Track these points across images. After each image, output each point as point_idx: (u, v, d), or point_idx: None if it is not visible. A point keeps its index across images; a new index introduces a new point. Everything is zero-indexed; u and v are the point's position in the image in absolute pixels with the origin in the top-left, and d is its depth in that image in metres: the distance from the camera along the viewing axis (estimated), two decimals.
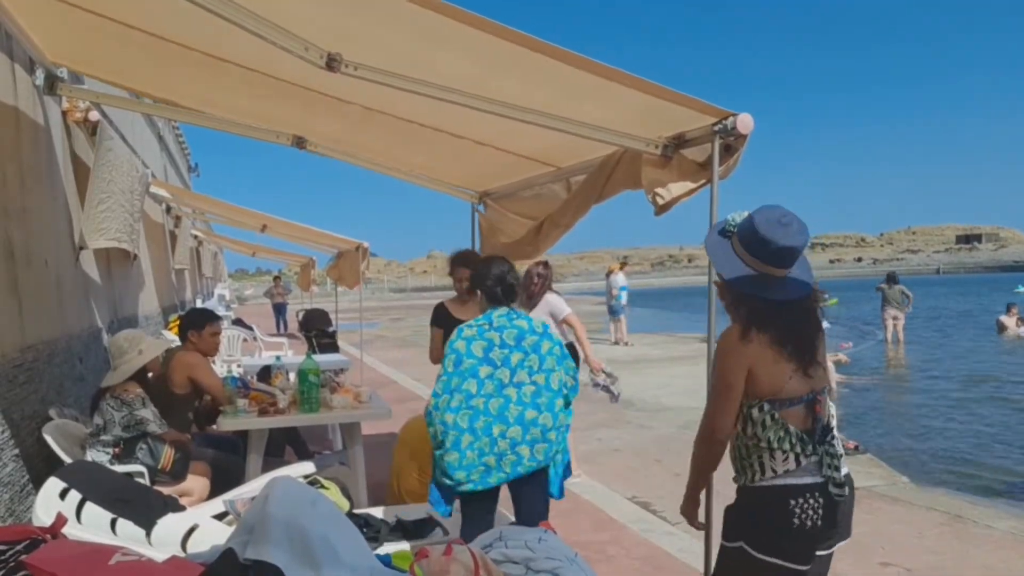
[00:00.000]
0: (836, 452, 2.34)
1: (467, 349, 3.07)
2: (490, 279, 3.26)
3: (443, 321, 4.45)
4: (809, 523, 2.27)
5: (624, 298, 17.14)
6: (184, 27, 3.37)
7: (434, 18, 2.45)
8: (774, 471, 2.29)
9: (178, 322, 9.14)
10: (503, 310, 3.20)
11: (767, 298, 2.29)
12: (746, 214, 2.38)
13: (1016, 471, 6.97)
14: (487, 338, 3.10)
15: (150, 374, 4.31)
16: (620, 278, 17.34)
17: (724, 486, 2.57)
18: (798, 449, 2.28)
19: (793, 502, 2.27)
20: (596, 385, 5.87)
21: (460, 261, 4.45)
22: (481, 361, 3.06)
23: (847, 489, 2.34)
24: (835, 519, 2.32)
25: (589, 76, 2.73)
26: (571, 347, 5.61)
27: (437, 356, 4.09)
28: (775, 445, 2.28)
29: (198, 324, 4.81)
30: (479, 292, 3.29)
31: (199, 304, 15.73)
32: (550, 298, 5.75)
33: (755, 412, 2.30)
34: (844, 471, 2.35)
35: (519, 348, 3.10)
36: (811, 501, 2.27)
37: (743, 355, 2.28)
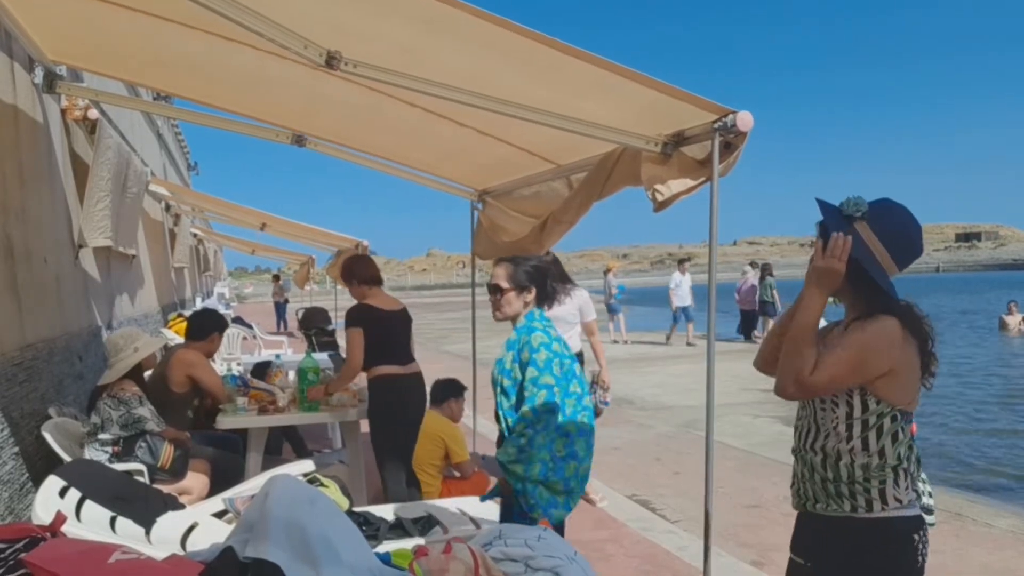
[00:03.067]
0: (924, 478, 2.15)
1: (561, 349, 2.95)
2: (549, 277, 3.11)
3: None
4: (924, 561, 1.99)
5: (689, 298, 15.81)
6: (186, 9, 3.35)
7: (433, 10, 2.45)
8: (898, 500, 1.97)
9: (179, 320, 9.16)
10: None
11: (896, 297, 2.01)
12: (867, 204, 2.02)
13: (1016, 470, 6.97)
14: (555, 338, 3.02)
15: (147, 372, 4.30)
16: (678, 277, 16.15)
17: (735, 489, 2.53)
18: (914, 471, 2.03)
19: (916, 537, 1.97)
20: (603, 403, 5.27)
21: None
22: (572, 360, 3.02)
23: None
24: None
25: (590, 68, 2.73)
26: (580, 356, 5.05)
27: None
28: (903, 464, 1.98)
29: (223, 326, 4.90)
30: (533, 289, 3.04)
31: (199, 303, 15.73)
32: (583, 294, 5.34)
33: (888, 421, 1.97)
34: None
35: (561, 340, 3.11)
36: (925, 536, 2.00)
37: (896, 352, 1.94)
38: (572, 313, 5.11)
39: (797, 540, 2.15)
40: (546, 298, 3.12)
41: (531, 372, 2.85)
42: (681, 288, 16.04)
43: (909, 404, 2.00)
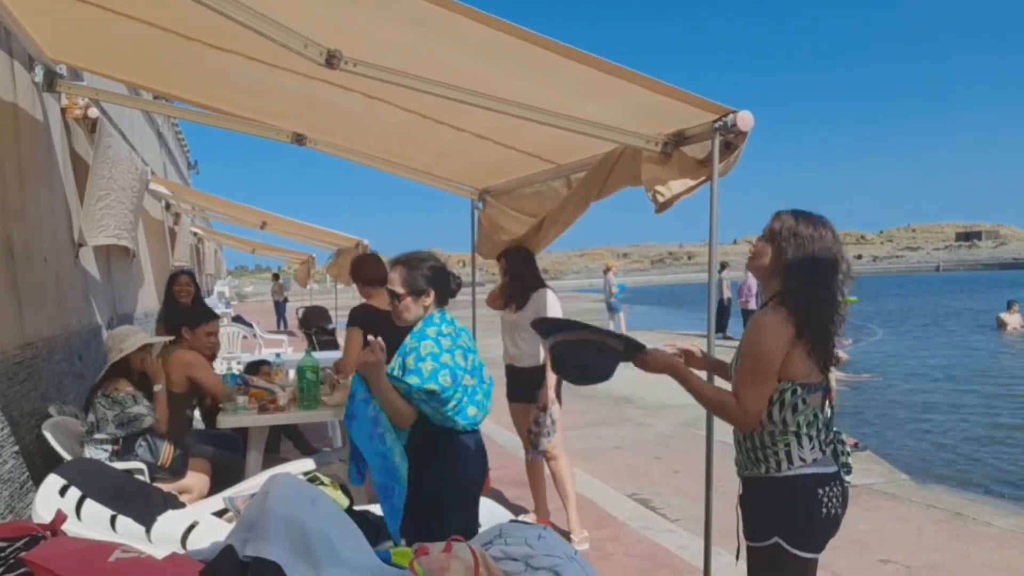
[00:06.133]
0: (844, 440, 2.39)
1: (452, 361, 2.84)
2: (446, 274, 3.00)
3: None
4: (833, 512, 2.29)
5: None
6: (184, 19, 3.36)
7: (434, 12, 2.45)
8: (802, 460, 2.28)
9: None
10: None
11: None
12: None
13: (1015, 468, 6.98)
14: (460, 345, 2.91)
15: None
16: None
17: (736, 488, 2.53)
18: (823, 436, 2.30)
19: (821, 491, 2.27)
20: (536, 423, 4.51)
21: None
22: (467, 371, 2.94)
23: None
24: (846, 508, 2.35)
25: (590, 71, 2.73)
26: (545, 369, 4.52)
27: None
28: (803, 430, 2.28)
29: (192, 321, 4.73)
30: (432, 292, 2.94)
31: None
32: (548, 297, 4.59)
33: (788, 395, 2.28)
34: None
35: (473, 350, 3.02)
36: (834, 490, 2.29)
37: (786, 335, 2.25)
38: (530, 318, 4.62)
39: (739, 501, 2.50)
40: (449, 296, 3.02)
41: (412, 380, 2.78)
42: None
43: (808, 377, 2.29)
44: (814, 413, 2.29)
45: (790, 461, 2.28)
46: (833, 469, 2.31)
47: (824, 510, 2.27)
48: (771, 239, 2.34)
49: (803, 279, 2.28)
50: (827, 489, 2.28)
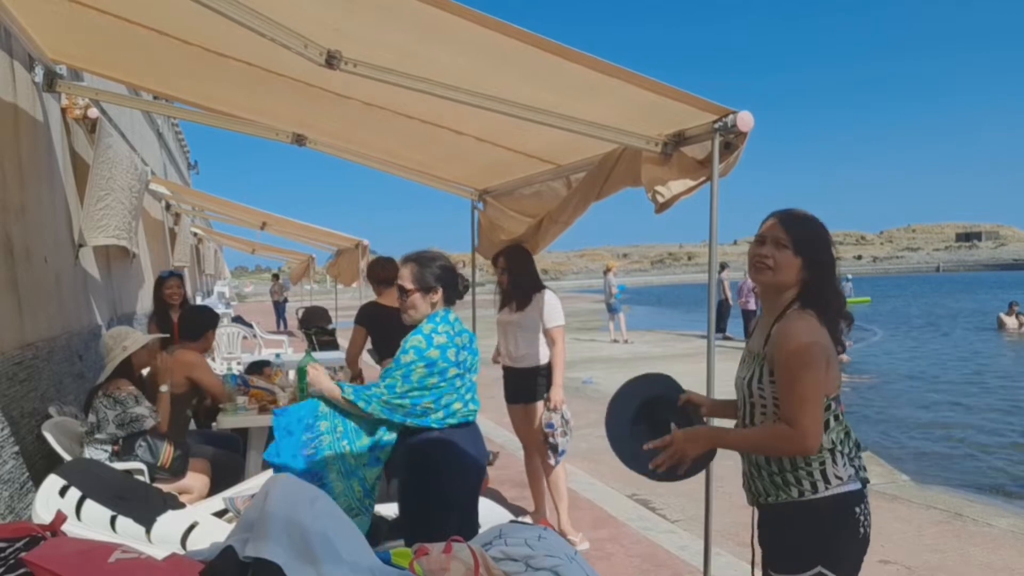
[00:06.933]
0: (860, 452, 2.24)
1: (441, 356, 2.90)
2: (455, 275, 3.03)
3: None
4: (868, 531, 2.14)
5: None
6: (184, 23, 3.37)
7: (434, 14, 2.45)
8: (838, 478, 2.11)
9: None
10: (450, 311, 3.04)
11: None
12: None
13: (1015, 469, 6.98)
14: (456, 344, 2.94)
15: (145, 371, 4.28)
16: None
17: (735, 489, 2.47)
18: (852, 452, 2.16)
19: (857, 510, 2.12)
20: (547, 426, 4.42)
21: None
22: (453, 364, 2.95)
23: None
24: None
25: (590, 72, 2.73)
26: (546, 369, 4.54)
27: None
28: (839, 447, 2.12)
29: (215, 323, 4.94)
30: (440, 289, 2.98)
31: (199, 302, 15.72)
32: (549, 298, 4.55)
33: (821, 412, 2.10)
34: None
35: (471, 350, 3.03)
36: (866, 507, 2.15)
37: (827, 345, 2.10)
38: (532, 319, 4.51)
39: (758, 533, 2.29)
40: (457, 297, 3.06)
41: (388, 365, 2.99)
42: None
43: (837, 389, 2.15)
44: (845, 429, 2.17)
45: (826, 481, 2.10)
46: (859, 485, 2.15)
47: (861, 530, 2.12)
48: (799, 250, 2.13)
49: (832, 279, 2.19)
50: (861, 507, 2.13)
